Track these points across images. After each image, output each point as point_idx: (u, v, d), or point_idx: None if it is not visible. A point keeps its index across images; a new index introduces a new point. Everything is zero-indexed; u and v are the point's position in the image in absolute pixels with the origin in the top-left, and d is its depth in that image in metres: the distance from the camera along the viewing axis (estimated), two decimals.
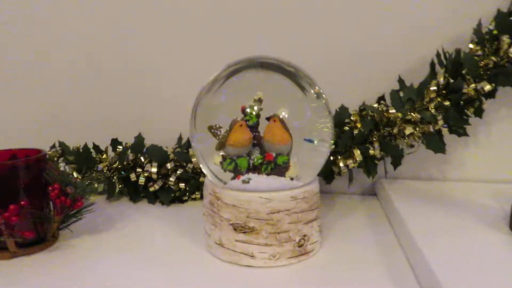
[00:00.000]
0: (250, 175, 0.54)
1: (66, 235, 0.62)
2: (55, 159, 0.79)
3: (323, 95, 0.56)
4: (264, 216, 0.51)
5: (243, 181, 0.53)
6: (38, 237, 0.57)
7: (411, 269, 0.52)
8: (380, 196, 0.77)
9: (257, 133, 0.55)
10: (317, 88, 0.56)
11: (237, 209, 0.52)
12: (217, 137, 0.56)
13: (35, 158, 0.57)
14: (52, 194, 0.55)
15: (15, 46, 0.87)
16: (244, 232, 0.52)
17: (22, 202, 0.53)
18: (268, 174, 0.54)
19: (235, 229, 0.52)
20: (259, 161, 0.54)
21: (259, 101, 0.55)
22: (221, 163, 0.55)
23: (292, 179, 0.54)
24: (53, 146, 0.81)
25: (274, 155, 0.53)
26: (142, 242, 0.60)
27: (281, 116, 0.53)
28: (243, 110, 0.55)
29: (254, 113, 0.54)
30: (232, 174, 0.55)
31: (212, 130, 0.56)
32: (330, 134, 0.56)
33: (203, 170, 0.57)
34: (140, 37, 0.83)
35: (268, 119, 0.53)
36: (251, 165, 0.54)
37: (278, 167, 0.53)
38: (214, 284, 0.49)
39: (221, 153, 0.55)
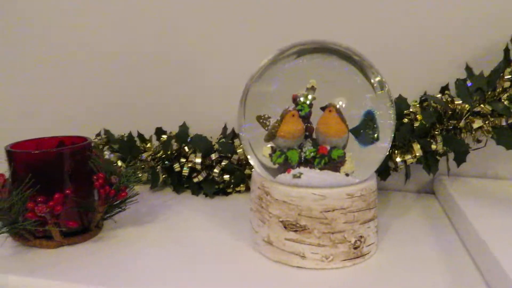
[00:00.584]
0: (302, 169, 0.50)
1: (110, 225, 0.61)
2: (100, 147, 0.79)
3: (386, 84, 0.51)
4: (317, 214, 0.47)
5: (294, 176, 0.50)
6: (82, 227, 0.56)
7: (481, 274, 0.47)
8: (439, 194, 0.70)
9: (309, 124, 0.51)
10: (379, 76, 0.51)
11: (287, 206, 0.48)
12: (266, 128, 0.52)
13: (81, 146, 0.55)
14: (96, 184, 0.53)
15: (60, 34, 0.87)
16: (295, 231, 0.48)
17: (67, 191, 0.51)
18: (321, 169, 0.49)
19: (285, 227, 0.49)
20: (312, 154, 0.50)
21: (312, 89, 0.50)
22: (270, 155, 0.51)
23: (347, 175, 0.50)
24: (99, 134, 0.81)
25: (328, 148, 0.49)
26: (186, 236, 0.58)
27: (337, 106, 0.48)
28: (295, 99, 0.50)
29: (307, 102, 0.50)
30: (281, 168, 0.51)
31: (261, 120, 0.52)
32: (392, 127, 0.51)
33: (251, 161, 0.54)
34: (186, 23, 0.80)
35: (323, 108, 0.49)
36: (302, 158, 0.50)
37: (332, 162, 0.49)
38: (261, 284, 0.46)
39: (270, 145, 0.51)
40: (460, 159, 0.64)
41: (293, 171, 0.50)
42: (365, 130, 0.50)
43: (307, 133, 0.51)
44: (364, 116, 0.50)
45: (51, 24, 0.87)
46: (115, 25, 0.84)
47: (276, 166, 0.51)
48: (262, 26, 0.76)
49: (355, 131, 0.49)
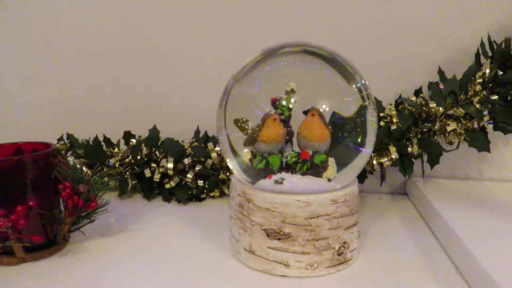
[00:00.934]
0: (283, 174, 0.48)
1: (78, 237, 0.56)
2: (63, 152, 0.74)
3: (369, 89, 0.50)
4: (302, 221, 0.46)
5: (276, 181, 0.48)
6: (47, 240, 0.51)
7: (460, 275, 0.47)
8: (412, 196, 0.71)
9: (289, 128, 0.49)
10: (362, 79, 0.50)
11: (271, 213, 0.46)
12: (245, 132, 0.50)
13: (45, 153, 0.51)
14: (63, 194, 0.49)
15: (23, 35, 0.81)
16: (278, 239, 0.46)
17: (30, 203, 0.47)
18: (303, 174, 0.48)
19: (268, 235, 0.47)
20: (294, 159, 0.48)
21: (292, 92, 0.49)
22: (250, 160, 0.49)
23: (329, 180, 0.49)
24: (61, 139, 0.76)
25: (310, 153, 0.48)
26: (160, 246, 0.55)
27: (320, 110, 0.47)
28: (274, 102, 0.49)
29: (288, 106, 0.49)
30: (262, 173, 0.49)
31: (239, 124, 0.50)
32: (375, 131, 0.50)
33: (230, 167, 0.52)
34: (155, 23, 0.77)
35: (305, 112, 0.48)
36: (283, 163, 0.49)
37: (314, 167, 0.48)
38: None
39: (250, 149, 0.50)
40: (434, 161, 0.65)
41: (274, 177, 0.48)
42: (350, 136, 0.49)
43: (287, 138, 0.49)
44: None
45: (10, 25, 0.81)
46: (80, 26, 0.79)
47: (256, 171, 0.49)
48: (230, 28, 0.74)
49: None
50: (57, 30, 0.80)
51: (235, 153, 0.51)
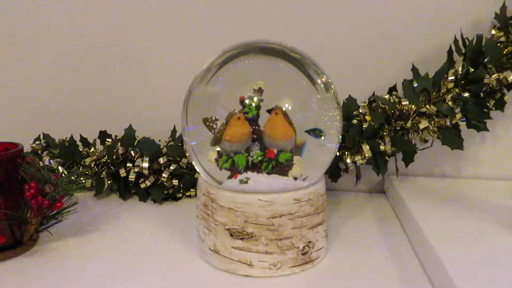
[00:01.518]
0: (249, 174, 0.48)
1: (47, 237, 0.56)
2: (39, 152, 0.74)
3: (332, 86, 0.50)
4: (264, 220, 0.46)
5: (241, 181, 0.48)
6: (14, 240, 0.51)
7: (426, 275, 0.47)
8: (389, 194, 0.71)
9: (257, 127, 0.49)
10: (325, 77, 0.50)
11: (234, 213, 0.46)
12: (213, 131, 0.50)
13: (10, 153, 0.51)
14: (27, 194, 0.49)
15: None
16: (241, 239, 0.46)
17: None
18: (268, 173, 0.48)
19: (231, 235, 0.47)
20: (259, 158, 0.48)
21: (260, 91, 0.49)
22: (216, 160, 0.49)
23: (295, 178, 0.48)
24: (38, 139, 0.76)
25: (275, 151, 0.48)
26: (131, 246, 0.55)
27: (284, 108, 0.47)
28: (242, 101, 0.49)
29: (253, 104, 0.48)
30: (228, 173, 0.49)
31: (208, 123, 0.50)
32: (339, 128, 0.50)
33: (195, 167, 0.52)
34: (130, 22, 0.76)
35: (269, 111, 0.47)
36: (250, 162, 0.48)
37: (280, 165, 0.48)
38: None
39: (217, 149, 0.49)
40: (408, 159, 0.65)
41: (240, 176, 0.48)
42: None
43: (254, 136, 0.49)
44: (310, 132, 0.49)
45: None
46: (56, 24, 0.78)
47: (223, 171, 0.49)
48: (207, 26, 0.74)
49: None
50: (31, 29, 0.79)
51: (199, 153, 0.50)
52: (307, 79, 0.49)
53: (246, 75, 0.50)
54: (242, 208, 0.46)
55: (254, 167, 0.48)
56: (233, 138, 0.47)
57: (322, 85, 0.49)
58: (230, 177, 0.49)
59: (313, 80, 0.49)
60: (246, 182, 0.47)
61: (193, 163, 0.52)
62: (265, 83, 0.48)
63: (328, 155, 0.50)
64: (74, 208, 0.54)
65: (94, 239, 0.57)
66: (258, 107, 0.49)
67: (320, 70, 0.50)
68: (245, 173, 0.48)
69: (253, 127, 0.49)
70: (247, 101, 0.48)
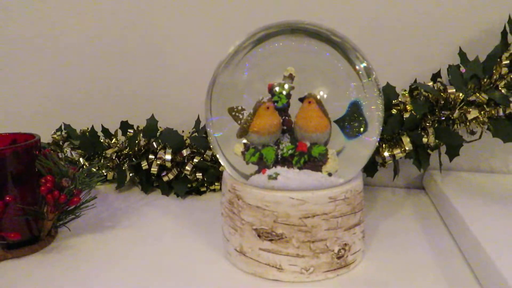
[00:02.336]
0: (278, 169, 0.44)
1: (66, 232, 0.54)
2: (61, 143, 0.71)
3: (373, 72, 0.45)
4: (296, 221, 0.41)
5: (270, 177, 0.43)
6: (31, 236, 0.49)
7: (477, 282, 0.42)
8: (430, 190, 0.65)
9: (287, 117, 0.45)
10: (365, 62, 0.44)
11: (262, 212, 0.42)
12: (239, 122, 0.45)
13: (25, 145, 0.48)
14: (42, 188, 0.46)
15: (19, 24, 0.79)
16: (270, 240, 0.42)
17: (7, 198, 0.45)
18: (300, 168, 0.43)
19: (259, 236, 0.43)
20: (290, 151, 0.43)
21: (290, 78, 0.44)
22: (242, 153, 0.45)
23: (330, 174, 0.44)
24: (59, 129, 0.73)
25: (308, 144, 0.43)
26: (151, 244, 0.52)
27: (318, 97, 0.42)
28: (271, 89, 0.44)
29: (284, 92, 0.44)
30: (255, 167, 0.45)
31: (233, 113, 0.46)
32: (380, 119, 0.45)
33: (220, 161, 0.48)
34: (154, 10, 0.73)
35: (301, 100, 0.43)
36: (279, 156, 0.44)
37: (313, 160, 0.43)
38: None
39: (243, 142, 0.45)
40: (453, 152, 0.59)
41: (268, 172, 0.44)
42: (351, 123, 0.44)
43: (284, 128, 0.45)
44: (349, 107, 0.44)
45: (5, 14, 0.79)
46: (78, 15, 0.76)
47: (250, 165, 0.45)
48: (233, 7, 0.69)
49: (339, 122, 0.44)
50: (51, 19, 0.77)
51: (224, 146, 0.46)
52: (345, 63, 0.44)
53: (276, 60, 0.45)
54: (271, 207, 0.42)
55: (284, 161, 0.44)
56: (261, 129, 0.43)
57: (361, 71, 0.44)
58: (257, 172, 0.45)
59: (351, 65, 0.44)
60: (275, 178, 0.43)
61: (218, 156, 0.48)
62: (298, 69, 0.43)
63: (368, 149, 0.45)
64: (93, 203, 0.52)
65: (113, 236, 0.54)
66: (288, 96, 0.44)
67: (360, 53, 0.44)
68: (274, 168, 0.44)
69: (283, 117, 0.44)
70: (277, 89, 0.43)
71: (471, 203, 0.54)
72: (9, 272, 0.45)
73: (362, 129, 0.44)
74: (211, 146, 0.49)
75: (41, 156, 0.49)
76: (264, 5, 0.68)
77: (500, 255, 0.40)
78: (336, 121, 0.44)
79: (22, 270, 0.46)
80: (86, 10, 0.75)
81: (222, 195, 0.48)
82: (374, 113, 0.44)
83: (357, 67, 0.44)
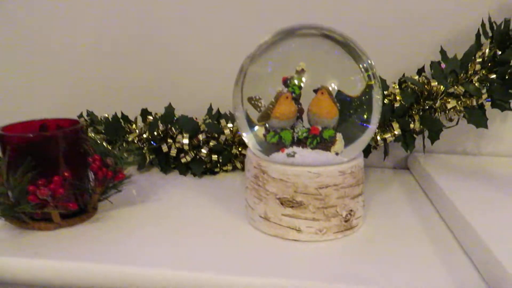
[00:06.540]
0: (295, 148, 0.53)
1: (105, 206, 0.61)
2: (84, 128, 0.78)
3: (374, 68, 0.54)
4: (312, 190, 0.50)
5: (288, 155, 0.52)
6: (79, 209, 0.56)
7: (455, 238, 0.52)
8: (414, 170, 0.76)
9: (299, 106, 0.54)
10: (370, 61, 0.54)
11: (284, 183, 0.51)
12: (258, 109, 0.54)
13: (75, 129, 0.55)
14: (93, 166, 0.54)
15: (40, 16, 0.84)
16: (291, 207, 0.51)
17: (65, 174, 0.52)
18: (313, 148, 0.52)
19: (282, 204, 0.52)
20: (304, 134, 0.52)
21: (302, 72, 0.53)
22: (264, 135, 0.54)
23: (337, 154, 0.53)
24: (81, 115, 0.80)
25: (320, 128, 0.52)
26: (179, 213, 0.60)
27: (330, 88, 0.51)
28: (285, 81, 0.53)
29: (298, 84, 0.53)
30: (274, 147, 0.53)
31: (252, 102, 0.54)
32: (380, 109, 0.54)
33: (246, 141, 0.56)
34: (172, 2, 0.79)
35: (315, 91, 0.52)
36: (295, 138, 0.53)
37: (324, 141, 0.52)
38: (260, 257, 0.49)
39: (262, 125, 0.54)
40: (434, 137, 0.69)
41: (287, 150, 0.53)
42: (356, 112, 0.53)
43: (298, 114, 0.53)
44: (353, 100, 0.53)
45: (32, 6, 0.84)
46: (97, 7, 0.82)
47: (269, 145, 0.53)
48: (244, 8, 0.77)
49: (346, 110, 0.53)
50: (71, 11, 0.83)
51: (252, 127, 0.55)
52: (352, 61, 0.53)
53: (295, 57, 0.54)
54: (292, 179, 0.50)
55: (299, 142, 0.53)
56: (282, 115, 0.52)
57: (364, 67, 0.53)
58: (276, 150, 0.53)
59: (357, 63, 0.53)
60: (293, 156, 0.52)
61: (244, 137, 0.56)
62: (310, 64, 0.52)
63: (368, 135, 0.55)
64: (130, 179, 0.59)
65: (145, 208, 0.62)
66: (300, 87, 0.53)
67: (364, 52, 0.54)
68: (290, 147, 0.53)
69: (297, 105, 0.53)
70: (295, 81, 0.52)
71: (449, 179, 0.64)
72: (66, 237, 0.53)
73: (365, 117, 0.54)
74: (239, 128, 0.57)
75: (87, 138, 0.56)
76: (272, 3, 0.76)
77: (474, 217, 0.50)
78: (343, 110, 0.53)
79: (75, 236, 0.53)
80: (110, 4, 0.81)
81: (246, 172, 0.57)
82: (376, 103, 0.53)
83: (360, 64, 0.53)
